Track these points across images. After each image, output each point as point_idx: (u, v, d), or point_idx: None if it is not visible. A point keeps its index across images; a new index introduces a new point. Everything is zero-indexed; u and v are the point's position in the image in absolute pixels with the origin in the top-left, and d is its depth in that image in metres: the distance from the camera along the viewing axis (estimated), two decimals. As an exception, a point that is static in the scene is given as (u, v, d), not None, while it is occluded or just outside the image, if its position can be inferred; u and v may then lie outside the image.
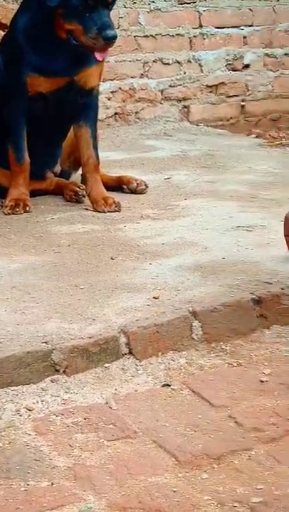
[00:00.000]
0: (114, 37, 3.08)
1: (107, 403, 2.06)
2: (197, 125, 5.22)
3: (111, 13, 3.17)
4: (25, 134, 3.35)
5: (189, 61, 5.28)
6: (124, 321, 2.29)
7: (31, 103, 3.31)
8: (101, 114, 4.39)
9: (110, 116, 5.04)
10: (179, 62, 5.25)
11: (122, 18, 4.90)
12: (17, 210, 3.29)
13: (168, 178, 3.83)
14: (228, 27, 5.38)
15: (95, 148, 3.43)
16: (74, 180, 3.63)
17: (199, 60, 5.31)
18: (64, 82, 3.29)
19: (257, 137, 5.12)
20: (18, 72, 3.27)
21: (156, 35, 5.15)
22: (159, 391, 2.12)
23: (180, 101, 5.28)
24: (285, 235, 2.67)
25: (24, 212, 3.29)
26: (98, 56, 3.14)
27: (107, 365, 2.21)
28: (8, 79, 3.29)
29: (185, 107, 5.31)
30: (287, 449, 1.85)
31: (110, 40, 3.08)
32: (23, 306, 2.39)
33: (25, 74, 3.26)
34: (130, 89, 5.11)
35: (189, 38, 5.26)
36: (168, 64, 5.22)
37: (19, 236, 3.04)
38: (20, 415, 2.00)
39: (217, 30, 5.34)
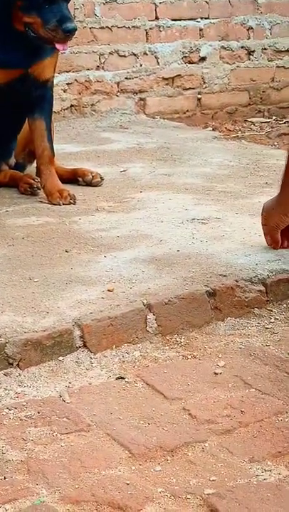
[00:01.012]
0: (75, 29, 3.07)
1: (60, 396, 2.06)
2: (153, 118, 5.23)
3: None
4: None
5: (145, 53, 5.28)
6: (78, 314, 2.29)
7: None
8: (56, 106, 4.38)
9: (66, 109, 5.02)
10: (135, 55, 5.25)
11: (77, 9, 4.88)
12: None
13: (124, 171, 3.84)
14: (185, 19, 5.39)
15: (50, 140, 3.41)
16: (29, 173, 3.61)
17: (155, 52, 5.31)
18: (18, 73, 3.27)
19: (213, 130, 5.15)
20: None
21: (112, 26, 5.14)
22: (113, 384, 2.12)
23: (136, 93, 5.28)
24: (263, 224, 2.72)
25: (-22, 204, 3.28)
26: (59, 47, 3.12)
27: (61, 358, 2.21)
28: None
29: (141, 99, 5.31)
30: (241, 441, 1.86)
31: (71, 33, 3.07)
32: (-24, 300, 2.38)
33: None
34: (86, 81, 5.10)
35: (145, 30, 5.26)
36: (124, 56, 5.21)
37: (-28, 229, 3.02)
38: (-27, 409, 2.00)
39: (173, 22, 5.34)
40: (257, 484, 1.71)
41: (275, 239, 2.70)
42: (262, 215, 2.71)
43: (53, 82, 3.48)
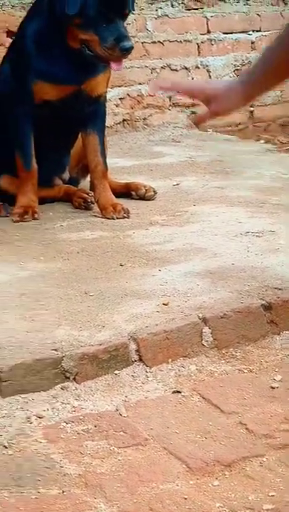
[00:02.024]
0: (131, 48, 3.10)
1: (117, 410, 2.07)
2: (205, 131, 5.22)
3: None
4: (33, 140, 3.36)
5: (197, 67, 5.29)
6: (133, 327, 2.30)
7: (38, 110, 3.32)
8: (109, 121, 4.40)
9: (118, 123, 5.04)
10: (186, 68, 5.26)
11: (129, 24, 4.90)
12: (25, 217, 3.29)
13: (176, 184, 3.84)
14: (236, 32, 5.38)
15: (103, 155, 3.43)
16: (82, 187, 3.64)
17: (207, 65, 5.31)
18: (71, 89, 3.30)
19: (266, 142, 5.11)
20: (25, 79, 3.28)
21: (163, 41, 5.15)
22: (169, 398, 2.13)
23: (188, 107, 5.28)
24: (214, 104, 2.03)
25: (33, 219, 3.30)
26: (114, 66, 3.15)
27: (117, 372, 2.21)
28: (15, 85, 3.30)
29: (193, 113, 5.30)
30: (299, 456, 1.86)
31: (128, 51, 3.09)
32: (33, 314, 2.40)
33: (33, 81, 3.27)
34: (138, 95, 5.12)
35: (197, 43, 5.27)
36: (176, 70, 5.22)
37: (28, 243, 3.04)
38: (31, 423, 2.01)
39: (225, 35, 5.34)
40: (317, 500, 1.70)
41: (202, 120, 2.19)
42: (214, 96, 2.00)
43: (105, 97, 3.51)
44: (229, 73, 5.37)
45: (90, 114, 3.40)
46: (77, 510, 1.68)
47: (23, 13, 4.35)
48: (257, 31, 5.44)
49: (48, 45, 3.24)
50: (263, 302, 2.45)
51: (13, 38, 3.81)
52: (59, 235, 3.15)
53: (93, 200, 3.43)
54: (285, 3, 5.52)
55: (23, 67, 3.29)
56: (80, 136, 3.53)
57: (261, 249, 2.88)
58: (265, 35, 5.45)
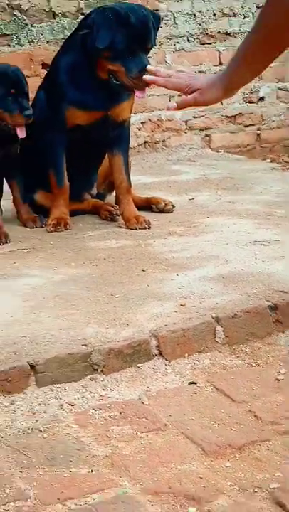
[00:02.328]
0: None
1: (139, 399, 2.07)
2: (217, 152, 5.22)
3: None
4: (65, 160, 3.37)
5: (211, 95, 5.28)
6: (154, 325, 2.30)
7: (70, 133, 3.33)
8: (132, 143, 4.40)
9: (140, 145, 5.05)
10: (201, 96, 5.24)
11: (150, 57, 4.92)
12: (58, 227, 3.31)
13: (192, 199, 3.84)
14: (245, 64, 5.37)
15: (127, 173, 3.44)
16: (108, 201, 3.64)
17: (219, 93, 5.30)
18: (99, 115, 3.31)
19: (271, 162, 5.10)
20: (59, 106, 3.29)
21: (181, 72, 5.15)
22: (186, 388, 2.12)
23: (202, 130, 5.28)
24: (195, 98, 2.04)
25: (65, 229, 3.31)
26: (139, 94, 3.15)
27: (139, 365, 2.22)
28: (49, 112, 3.31)
29: (207, 135, 5.30)
30: (302, 440, 1.85)
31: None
32: (65, 313, 2.40)
33: (66, 108, 3.28)
34: (158, 120, 5.12)
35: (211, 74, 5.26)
36: (191, 97, 5.21)
37: (61, 251, 3.05)
38: (63, 410, 2.02)
39: (235, 67, 5.33)
40: None
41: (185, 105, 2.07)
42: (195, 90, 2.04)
43: (129, 122, 3.51)
44: (239, 100, 5.35)
45: (115, 137, 3.41)
46: (104, 487, 1.69)
47: (57, 48, 4.37)
48: (263, 63, 5.43)
49: (79, 76, 3.25)
50: (269, 303, 2.44)
51: (48, 69, 3.83)
52: (88, 243, 3.16)
53: (118, 212, 3.44)
54: None
55: (57, 96, 3.30)
56: (106, 156, 3.54)
57: (268, 257, 2.87)
58: (271, 67, 5.41)
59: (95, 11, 3.25)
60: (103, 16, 3.14)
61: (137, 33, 3.08)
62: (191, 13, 5.15)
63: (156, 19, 3.27)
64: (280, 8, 1.77)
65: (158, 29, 3.27)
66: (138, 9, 3.19)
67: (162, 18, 3.46)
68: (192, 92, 2.00)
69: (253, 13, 5.34)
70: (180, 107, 2.06)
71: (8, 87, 3.15)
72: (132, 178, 3.51)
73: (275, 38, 1.81)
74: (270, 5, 1.80)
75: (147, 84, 3.07)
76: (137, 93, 3.14)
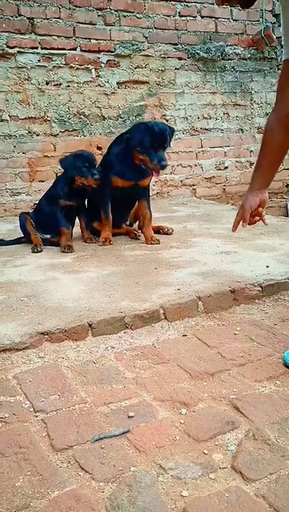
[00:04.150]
0: (166, 166, 3.08)
1: (153, 344, 2.06)
2: (200, 199, 5.21)
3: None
4: (110, 205, 3.38)
5: (196, 165, 5.27)
6: (162, 301, 2.29)
7: (114, 191, 3.33)
8: (150, 194, 4.42)
9: (154, 194, 5.05)
10: (190, 166, 5.25)
11: (167, 152, 4.89)
12: (106, 243, 3.31)
13: (184, 227, 3.83)
14: (216, 147, 5.37)
15: (149, 210, 3.43)
16: (135, 227, 3.64)
17: (201, 164, 5.30)
18: (132, 183, 3.29)
19: (232, 205, 5.08)
20: (108, 175, 3.29)
21: (178, 151, 5.16)
22: (180, 338, 2.12)
23: (191, 186, 5.27)
24: (241, 208, 2.03)
25: (109, 244, 3.30)
26: (156, 175, 3.13)
27: (153, 324, 2.21)
28: (103, 178, 3.32)
29: (194, 189, 5.30)
30: (249, 370, 1.83)
31: (164, 168, 3.07)
32: (109, 293, 2.41)
33: (112, 176, 3.28)
34: (164, 180, 5.13)
35: (196, 153, 5.26)
36: (184, 167, 5.22)
37: (107, 257, 3.05)
38: (108, 350, 2.02)
39: (210, 148, 5.33)
40: (258, 394, 1.67)
41: (246, 218, 1.99)
42: (241, 205, 2.01)
43: (149, 186, 3.50)
44: (213, 168, 5.36)
45: (141, 193, 3.40)
46: (131, 396, 1.69)
47: (106, 138, 4.38)
48: (227, 146, 5.42)
49: (122, 160, 3.24)
50: (230, 288, 2.42)
51: (103, 153, 3.83)
52: (123, 252, 3.16)
53: (140, 234, 3.44)
54: (242, 131, 5.49)
55: (108, 169, 3.29)
56: (136, 202, 3.54)
57: (229, 261, 2.85)
58: (232, 148, 5.43)
59: (134, 125, 3.24)
60: (137, 128, 3.14)
61: (158, 138, 3.06)
62: (184, 117, 5.15)
63: (172, 130, 3.22)
64: (273, 145, 1.79)
65: (172, 136, 3.23)
66: (160, 124, 3.15)
67: (174, 130, 3.41)
68: (257, 207, 1.94)
69: (221, 117, 5.33)
70: (251, 223, 2.01)
71: (84, 163, 3.17)
72: (148, 214, 3.51)
73: (276, 159, 1.83)
74: (266, 143, 1.80)
75: (162, 169, 3.08)
76: (155, 174, 3.13)
